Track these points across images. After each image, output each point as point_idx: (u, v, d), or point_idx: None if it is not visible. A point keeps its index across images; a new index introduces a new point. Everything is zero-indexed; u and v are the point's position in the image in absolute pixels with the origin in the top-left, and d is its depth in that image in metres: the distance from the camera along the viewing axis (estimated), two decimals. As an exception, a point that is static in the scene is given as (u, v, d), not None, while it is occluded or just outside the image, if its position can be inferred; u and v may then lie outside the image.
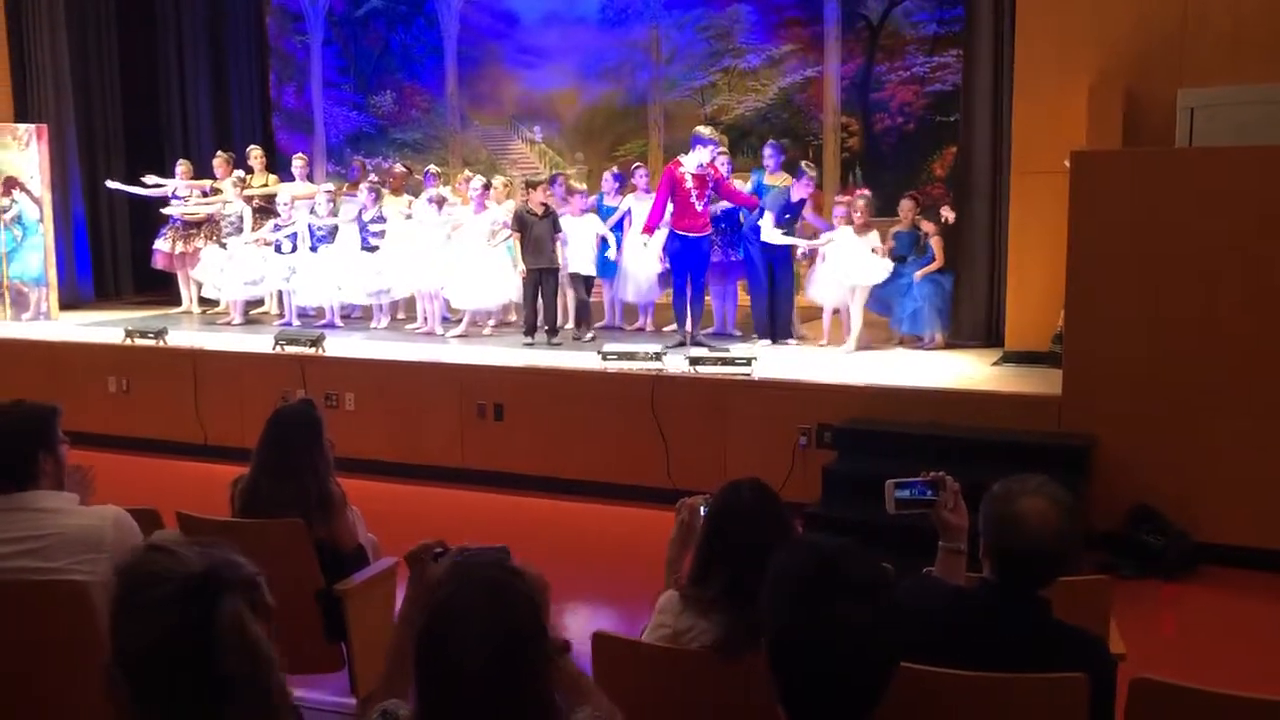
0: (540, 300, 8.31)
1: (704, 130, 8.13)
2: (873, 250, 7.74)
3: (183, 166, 10.19)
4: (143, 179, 10.22)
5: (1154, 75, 6.74)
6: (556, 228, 8.37)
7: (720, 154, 8.36)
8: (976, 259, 8.02)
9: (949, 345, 7.85)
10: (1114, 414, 5.92)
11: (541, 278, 8.29)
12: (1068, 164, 6.11)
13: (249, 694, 1.51)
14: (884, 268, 7.71)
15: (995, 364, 7.30)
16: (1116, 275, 5.92)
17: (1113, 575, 4.35)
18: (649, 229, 8.15)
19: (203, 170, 10.27)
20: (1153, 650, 4.41)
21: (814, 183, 8.24)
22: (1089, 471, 5.87)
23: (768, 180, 8.37)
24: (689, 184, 7.91)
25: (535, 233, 8.25)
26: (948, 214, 8.01)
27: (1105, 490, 5.84)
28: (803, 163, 8.52)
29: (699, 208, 7.93)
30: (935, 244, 7.80)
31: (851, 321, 7.88)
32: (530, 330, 8.34)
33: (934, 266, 7.76)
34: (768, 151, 8.47)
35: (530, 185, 8.54)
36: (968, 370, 7.17)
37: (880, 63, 10.43)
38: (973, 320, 8.08)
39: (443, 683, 1.70)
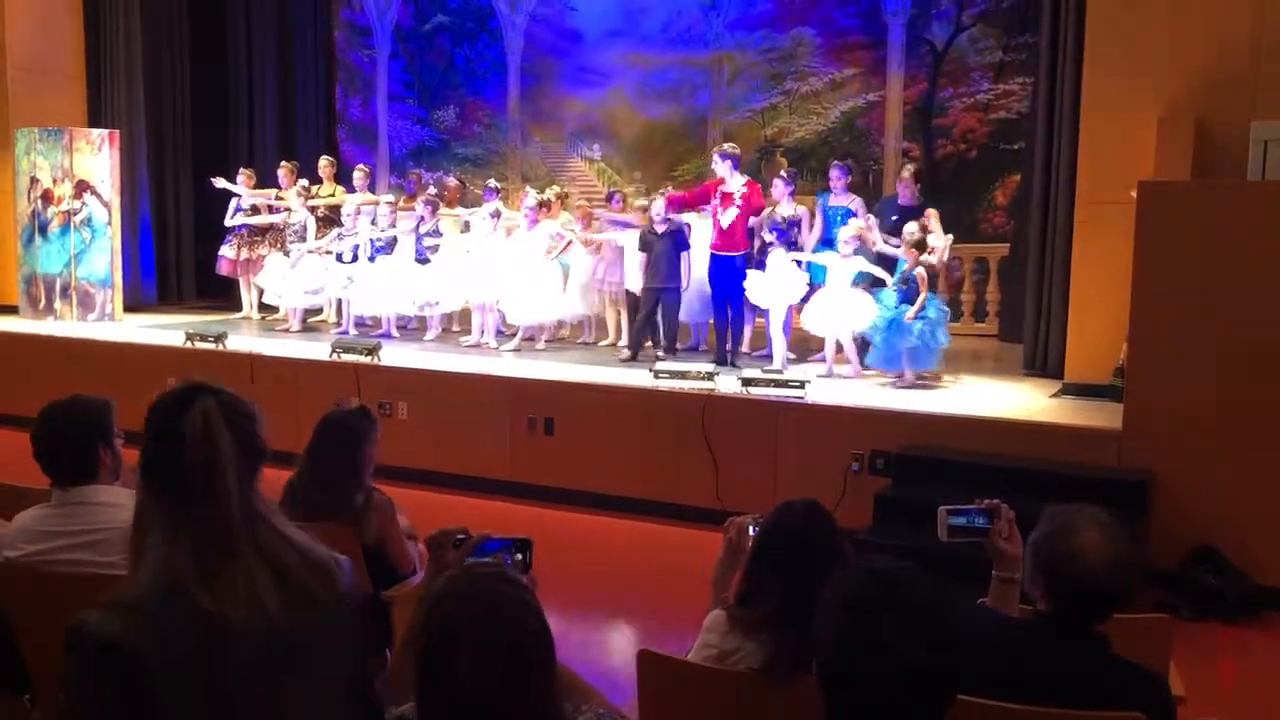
0: (660, 319, 8.25)
1: (724, 146, 8.20)
2: (855, 281, 7.54)
3: (244, 175, 10.35)
4: (211, 180, 10.42)
5: (1226, 107, 6.61)
6: (681, 246, 8.25)
7: (782, 175, 8.34)
8: (1031, 288, 7.92)
9: (923, 379, 7.35)
10: (1176, 450, 5.79)
11: (660, 296, 8.24)
12: (1134, 194, 6.01)
13: (208, 493, 1.74)
14: (869, 311, 7.39)
15: (1054, 395, 7.17)
16: (1182, 309, 5.79)
17: (1171, 615, 4.25)
18: (669, 200, 8.30)
19: (265, 178, 10.43)
20: (1211, 694, 4.29)
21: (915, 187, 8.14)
22: (1148, 508, 5.74)
23: (833, 203, 8.30)
24: (716, 200, 7.93)
25: (655, 250, 8.21)
26: (935, 245, 7.46)
27: (1165, 528, 5.71)
28: (906, 167, 8.44)
29: (724, 225, 7.91)
30: (920, 276, 7.21)
31: (848, 350, 7.75)
32: (635, 348, 8.29)
33: (920, 301, 7.14)
34: (835, 174, 8.36)
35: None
36: (1025, 401, 7.05)
37: (944, 88, 10.36)
38: (1026, 350, 7.97)
39: (446, 703, 1.66)
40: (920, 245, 7.32)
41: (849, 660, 1.70)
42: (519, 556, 2.22)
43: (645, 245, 8.30)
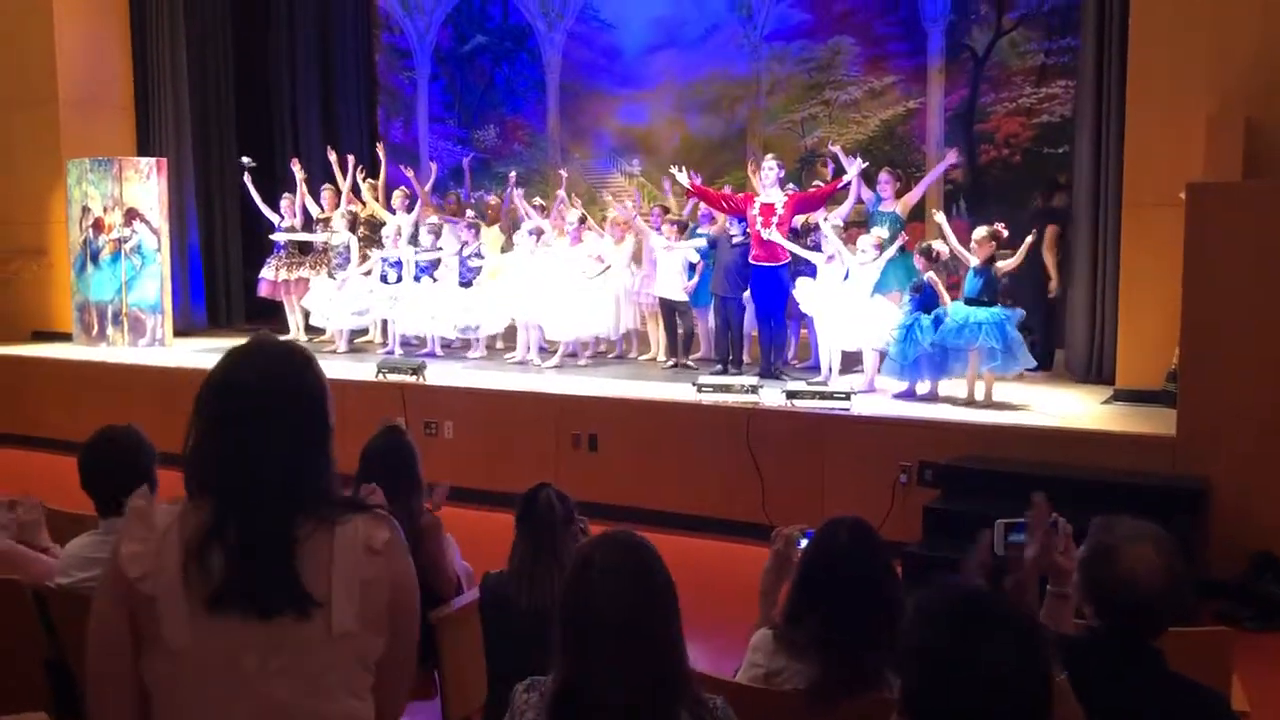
0: (729, 330, 8.29)
1: (771, 158, 8.30)
2: (878, 289, 7.46)
3: (328, 191, 10.34)
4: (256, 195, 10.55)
5: (1278, 105, 6.47)
6: (747, 258, 8.15)
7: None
8: (1081, 294, 7.79)
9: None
10: (1232, 456, 5.67)
11: (724, 306, 8.28)
12: (1183, 196, 5.90)
13: None
14: (888, 322, 7.21)
15: (1106, 402, 7.05)
16: (1234, 312, 5.68)
17: (1234, 627, 4.14)
18: (694, 184, 8.43)
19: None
20: (1278, 709, 4.17)
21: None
22: (1206, 516, 5.62)
23: (883, 208, 8.23)
24: (754, 211, 7.90)
25: (724, 259, 8.26)
26: (941, 250, 7.22)
27: (1223, 536, 5.58)
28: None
29: (765, 236, 7.89)
30: (934, 281, 6.95)
31: (865, 362, 7.62)
32: (724, 362, 8.30)
33: (946, 305, 6.92)
34: (883, 178, 8.30)
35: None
36: (1076, 408, 6.94)
37: (985, 93, 10.24)
38: (1077, 357, 7.84)
39: (587, 636, 1.84)
40: (927, 253, 7.15)
41: (941, 678, 1.63)
42: None
43: (714, 246, 8.37)
